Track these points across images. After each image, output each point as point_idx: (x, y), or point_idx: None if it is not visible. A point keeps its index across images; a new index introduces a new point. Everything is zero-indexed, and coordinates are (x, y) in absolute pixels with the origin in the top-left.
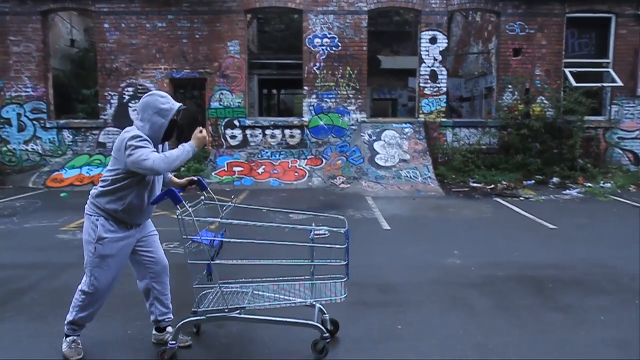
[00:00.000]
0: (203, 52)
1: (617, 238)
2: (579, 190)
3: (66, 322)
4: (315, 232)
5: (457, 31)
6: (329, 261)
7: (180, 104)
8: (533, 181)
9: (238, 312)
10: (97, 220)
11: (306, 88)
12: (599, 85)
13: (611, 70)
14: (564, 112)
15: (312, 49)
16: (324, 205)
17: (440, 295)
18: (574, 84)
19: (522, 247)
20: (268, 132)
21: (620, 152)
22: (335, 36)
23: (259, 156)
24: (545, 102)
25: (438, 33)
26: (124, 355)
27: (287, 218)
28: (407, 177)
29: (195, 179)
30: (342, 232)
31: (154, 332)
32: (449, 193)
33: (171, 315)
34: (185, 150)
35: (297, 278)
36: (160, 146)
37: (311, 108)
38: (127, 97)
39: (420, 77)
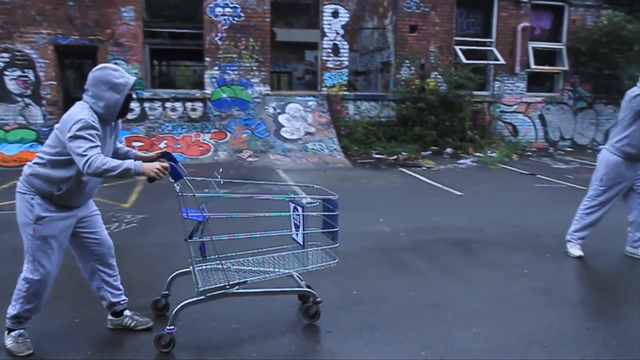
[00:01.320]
0: (93, 16)
1: (514, 201)
2: (472, 160)
3: (8, 316)
4: (307, 202)
5: (351, 5)
6: (322, 229)
7: (135, 77)
8: (429, 152)
9: (237, 287)
10: (32, 199)
11: (208, 59)
12: (485, 62)
13: (494, 49)
14: (455, 87)
15: (213, 18)
16: (237, 178)
17: (382, 261)
18: (464, 60)
19: (439, 213)
20: (168, 104)
21: (502, 124)
22: (238, 6)
23: (159, 130)
24: (439, 77)
25: (339, 7)
26: (75, 345)
27: (263, 188)
28: (314, 149)
29: (164, 152)
30: (336, 198)
31: (110, 317)
32: (355, 164)
33: (124, 297)
34: (126, 167)
35: (286, 247)
36: (114, 123)
37: (213, 80)
38: (1, 64)
39: (322, 50)
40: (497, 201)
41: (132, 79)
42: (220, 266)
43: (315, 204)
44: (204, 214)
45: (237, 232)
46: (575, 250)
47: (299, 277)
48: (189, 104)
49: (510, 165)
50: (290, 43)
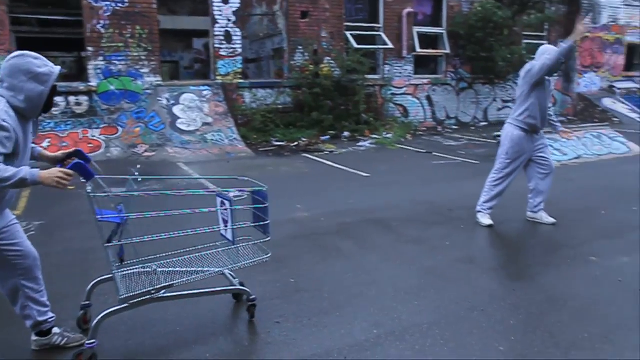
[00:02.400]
0: None
1: (419, 178)
2: (370, 142)
3: None
4: (234, 195)
5: None
6: (253, 224)
7: (59, 66)
8: (328, 136)
9: (164, 291)
10: None
11: (90, 49)
12: (375, 47)
13: (382, 34)
14: (348, 72)
15: (94, 3)
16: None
17: (310, 246)
18: (355, 45)
19: (352, 195)
20: None
21: (393, 106)
22: None
23: (40, 128)
24: (332, 62)
25: None
26: None
27: (189, 183)
28: (213, 140)
29: (75, 150)
30: (265, 189)
31: (35, 337)
32: (257, 153)
33: (52, 314)
34: (21, 177)
35: (215, 245)
36: (35, 119)
37: (98, 71)
38: None
39: (214, 37)
40: (403, 180)
41: (56, 68)
42: (144, 270)
43: (243, 197)
44: (121, 215)
45: (162, 233)
46: (485, 219)
47: (232, 275)
48: (72, 98)
49: (407, 145)
50: (177, 31)
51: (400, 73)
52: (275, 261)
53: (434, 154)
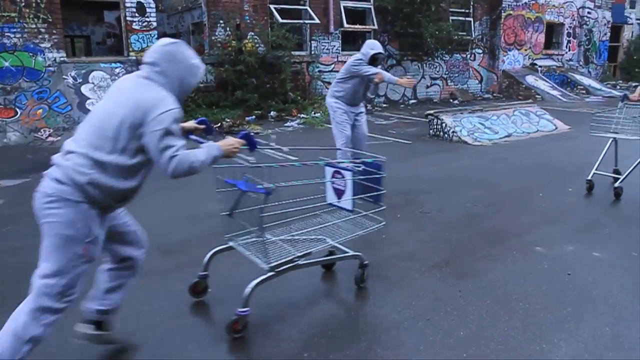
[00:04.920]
0: None
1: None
2: (297, 122)
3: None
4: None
5: None
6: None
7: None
8: (254, 117)
9: (304, 258)
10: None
11: None
12: (300, 21)
13: (308, 8)
14: (273, 48)
15: None
16: (38, 165)
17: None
18: (280, 20)
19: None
20: None
21: (321, 83)
22: None
23: None
24: (256, 37)
25: None
26: None
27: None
28: None
29: (200, 120)
30: (383, 159)
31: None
32: None
33: None
34: (211, 154)
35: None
36: None
37: None
38: None
39: (125, 10)
40: None
41: (202, 64)
42: (263, 239)
43: (360, 168)
44: (267, 186)
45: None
46: None
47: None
48: None
49: None
50: (85, 2)
51: (328, 49)
52: (189, 265)
53: None
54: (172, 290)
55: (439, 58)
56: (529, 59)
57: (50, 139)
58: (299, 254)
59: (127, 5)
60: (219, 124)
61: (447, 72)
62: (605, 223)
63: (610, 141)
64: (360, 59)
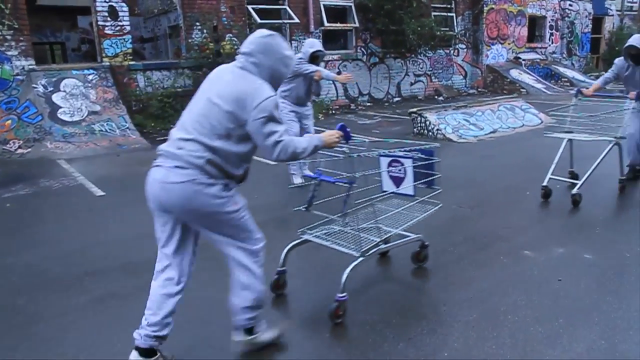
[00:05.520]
0: None
1: (333, 164)
2: None
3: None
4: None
5: None
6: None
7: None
8: None
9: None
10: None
11: None
12: (280, 21)
13: (287, 8)
14: None
15: None
16: (7, 178)
17: (199, 261)
18: (259, 20)
19: (259, 190)
20: None
21: None
22: None
23: None
24: (234, 39)
25: None
26: None
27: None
28: (102, 130)
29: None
30: (438, 145)
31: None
32: (154, 143)
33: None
34: (315, 144)
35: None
36: None
37: None
38: None
39: (97, 14)
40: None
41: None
42: (352, 228)
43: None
44: (349, 175)
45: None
46: (297, 179)
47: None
48: None
49: (319, 126)
50: (58, 8)
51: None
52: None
53: None
54: (128, 316)
55: (422, 54)
56: (513, 53)
57: (19, 150)
58: (378, 240)
59: (99, 9)
60: None
61: (430, 69)
62: (595, 222)
63: (565, 142)
64: (301, 58)
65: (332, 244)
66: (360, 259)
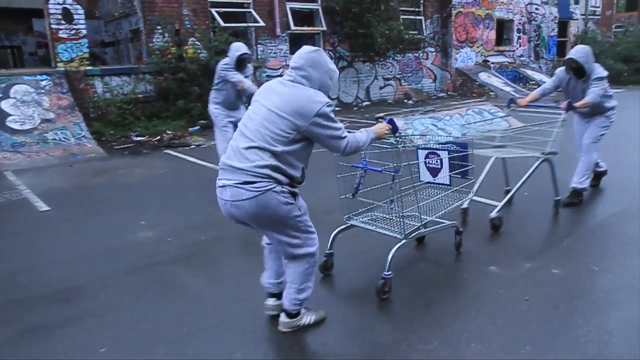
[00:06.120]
0: None
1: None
2: None
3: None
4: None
5: None
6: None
7: None
8: (198, 127)
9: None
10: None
11: None
12: (244, 25)
13: (252, 11)
14: (217, 53)
15: None
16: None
17: (144, 285)
18: (222, 23)
19: (213, 201)
20: None
21: None
22: None
23: None
24: (197, 43)
25: None
26: None
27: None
28: (56, 139)
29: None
30: (471, 137)
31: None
32: (111, 152)
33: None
34: (369, 136)
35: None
36: None
37: None
38: None
39: (50, 17)
40: None
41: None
42: (397, 213)
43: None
44: (396, 165)
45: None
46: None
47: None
48: None
49: None
50: (12, 10)
51: (275, 53)
52: (88, 314)
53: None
54: (55, 353)
55: (390, 58)
56: (482, 56)
57: None
58: (421, 224)
59: (52, 11)
60: (159, 137)
61: (400, 72)
62: (563, 234)
63: (492, 159)
64: (227, 63)
65: (377, 228)
66: (404, 241)
